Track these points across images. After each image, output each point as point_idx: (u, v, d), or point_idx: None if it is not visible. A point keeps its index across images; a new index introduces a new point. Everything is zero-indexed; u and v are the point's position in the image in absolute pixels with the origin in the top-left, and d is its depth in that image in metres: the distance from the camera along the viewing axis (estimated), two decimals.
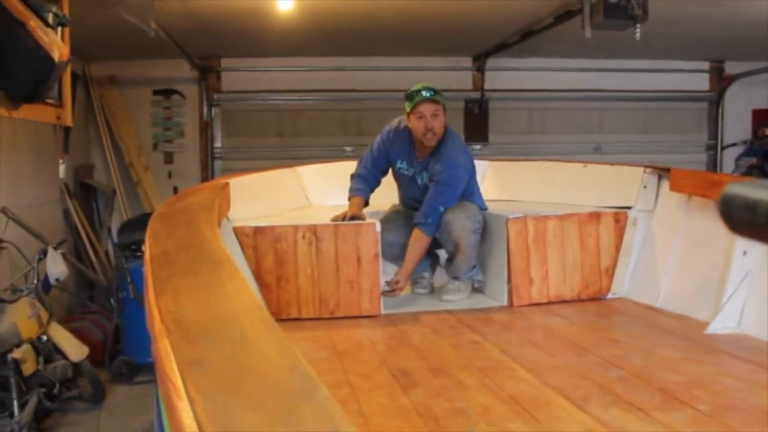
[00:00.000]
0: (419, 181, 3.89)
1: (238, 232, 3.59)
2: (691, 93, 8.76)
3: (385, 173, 4.08)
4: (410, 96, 3.75)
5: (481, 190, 4.15)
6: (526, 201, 4.68)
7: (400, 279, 3.70)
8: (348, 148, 7.89)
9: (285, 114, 8.24)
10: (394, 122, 3.97)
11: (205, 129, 8.07)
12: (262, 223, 3.64)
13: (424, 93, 3.69)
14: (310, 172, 4.92)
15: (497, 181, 4.98)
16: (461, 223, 3.78)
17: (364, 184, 3.97)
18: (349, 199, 3.93)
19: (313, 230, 3.61)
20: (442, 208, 3.75)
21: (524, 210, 4.03)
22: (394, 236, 3.93)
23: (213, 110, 8.11)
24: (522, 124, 8.55)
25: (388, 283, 3.74)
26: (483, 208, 4.00)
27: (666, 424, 2.09)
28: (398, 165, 3.96)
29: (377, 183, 4.06)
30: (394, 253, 3.97)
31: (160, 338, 1.14)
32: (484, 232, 3.99)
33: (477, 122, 8.34)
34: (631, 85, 8.58)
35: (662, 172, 3.87)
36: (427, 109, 3.72)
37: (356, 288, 3.62)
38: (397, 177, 4.04)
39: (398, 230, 3.96)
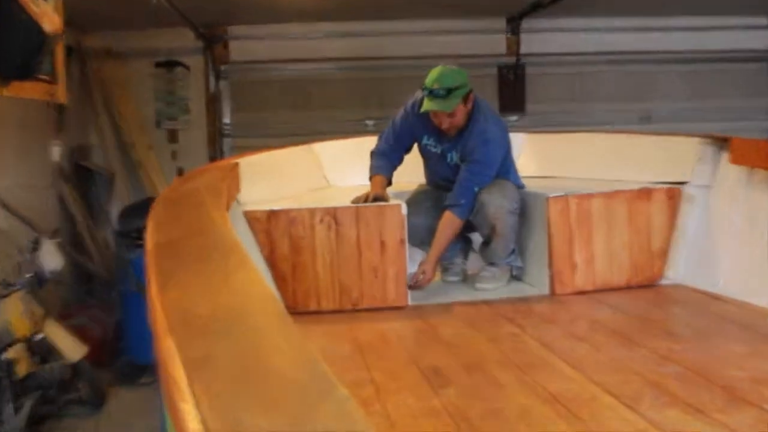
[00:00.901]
0: (449, 160, 3.86)
1: (250, 217, 3.56)
2: (749, 52, 8.58)
3: (408, 150, 4.04)
4: (422, 95, 3.75)
5: (518, 165, 4.10)
6: (568, 177, 4.59)
7: (426, 269, 3.69)
8: (370, 122, 7.89)
9: (299, 85, 8.21)
10: (420, 94, 3.84)
11: (212, 104, 8.04)
12: (275, 207, 3.64)
13: (428, 102, 3.64)
14: (328, 150, 4.94)
15: (535, 155, 4.95)
16: (497, 203, 3.73)
17: (386, 162, 3.93)
18: (371, 178, 3.90)
19: (333, 213, 3.60)
20: (476, 189, 3.71)
21: (566, 187, 3.95)
22: (422, 219, 3.88)
23: (220, 83, 8.05)
24: (562, 92, 8.47)
25: (413, 275, 3.72)
26: (520, 186, 3.96)
27: (729, 426, 2.05)
28: (425, 141, 3.92)
29: (400, 161, 4.03)
30: (422, 238, 3.93)
31: (162, 335, 1.14)
32: (522, 212, 3.94)
33: (512, 90, 8.27)
34: (682, 46, 8.42)
35: (720, 142, 3.79)
36: (437, 114, 3.70)
37: (380, 277, 3.61)
38: (425, 154, 4.00)
39: (426, 212, 3.93)
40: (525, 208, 3.97)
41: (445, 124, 3.69)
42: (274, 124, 8.11)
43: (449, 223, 3.72)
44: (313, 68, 8.21)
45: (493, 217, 3.77)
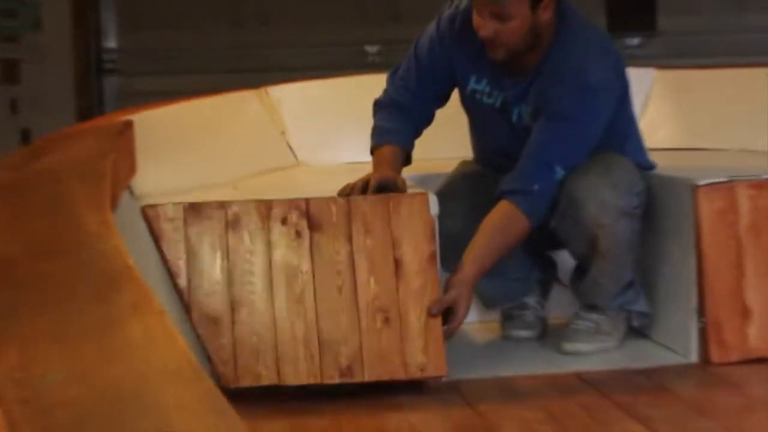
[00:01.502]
0: (513, 117, 3.54)
1: (153, 218, 3.37)
2: None
3: (443, 99, 3.76)
4: None
5: (643, 128, 3.88)
6: (730, 149, 4.39)
7: (458, 293, 3.30)
8: (371, 49, 7.65)
9: None
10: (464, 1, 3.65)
11: (83, 14, 7.64)
12: (199, 198, 3.48)
13: None
14: (294, 99, 4.71)
15: (673, 108, 4.74)
16: (602, 198, 3.35)
17: (403, 121, 3.60)
18: (374, 150, 3.61)
19: (303, 209, 3.40)
20: (559, 169, 3.45)
21: (730, 168, 3.75)
22: (465, 223, 3.53)
23: None
24: None
25: (437, 302, 3.34)
26: (646, 166, 3.62)
27: None
28: (472, 86, 3.59)
29: (427, 120, 3.66)
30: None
31: None
32: (648, 214, 3.64)
33: None
34: None
35: None
36: (478, 14, 3.46)
37: (393, 324, 3.37)
38: (472, 108, 3.68)
39: (472, 212, 3.57)
40: (652, 207, 3.69)
41: (487, 31, 3.42)
42: (196, 51, 7.72)
43: (507, 222, 3.47)
44: None
45: (593, 223, 3.35)
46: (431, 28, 3.73)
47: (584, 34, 3.61)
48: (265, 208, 3.40)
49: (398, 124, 3.68)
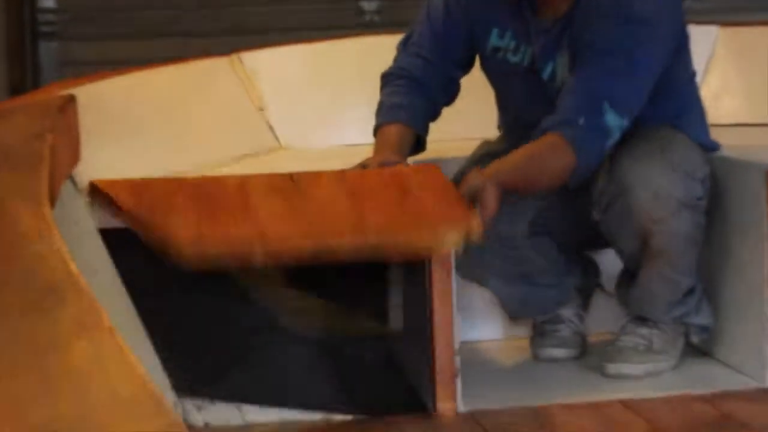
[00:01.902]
0: (545, 75, 3.55)
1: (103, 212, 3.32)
2: None
3: (466, 66, 3.69)
4: None
5: (706, 98, 3.79)
6: None
7: (487, 192, 3.30)
8: (369, 6, 7.73)
9: None
10: None
11: None
12: None
13: None
14: (275, 68, 4.66)
15: (741, 75, 4.63)
16: (657, 185, 3.33)
17: (416, 96, 3.62)
18: (377, 129, 3.57)
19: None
20: (608, 108, 3.37)
21: None
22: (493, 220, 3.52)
23: None
24: None
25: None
26: (708, 146, 3.59)
27: None
28: (493, 42, 3.61)
29: (449, 92, 3.67)
30: (485, 267, 3.65)
31: None
32: (713, 205, 3.56)
33: None
34: None
35: None
36: None
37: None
38: (495, 71, 3.71)
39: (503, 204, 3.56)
40: (716, 197, 3.58)
41: None
42: (153, 9, 7.64)
43: (548, 151, 3.43)
44: None
45: (647, 217, 3.34)
46: None
47: None
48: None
49: (410, 99, 3.61)
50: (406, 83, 3.69)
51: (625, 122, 3.43)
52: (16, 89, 7.37)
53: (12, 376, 1.47)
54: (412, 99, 3.65)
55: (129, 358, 1.46)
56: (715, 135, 3.75)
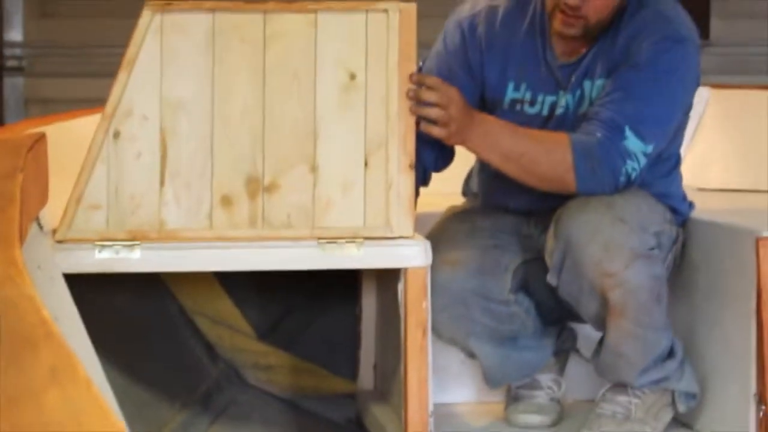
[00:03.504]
0: (564, 110, 3.59)
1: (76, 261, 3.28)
2: None
3: None
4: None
5: (688, 159, 3.95)
6: None
7: (452, 113, 3.43)
8: None
9: None
10: None
11: None
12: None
13: None
14: None
15: (731, 138, 4.70)
16: (605, 236, 3.31)
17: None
18: None
19: None
20: (630, 133, 3.40)
21: None
22: (467, 276, 3.54)
23: None
24: None
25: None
26: (679, 210, 3.59)
27: None
28: (510, 95, 3.60)
29: (444, 158, 3.68)
30: (462, 324, 3.59)
31: None
32: (690, 269, 3.59)
33: None
34: None
35: None
36: None
37: None
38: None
39: (476, 262, 3.60)
40: (704, 262, 3.60)
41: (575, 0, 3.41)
42: (123, 45, 7.88)
43: (549, 140, 3.54)
44: None
45: (599, 271, 3.32)
46: (453, 26, 3.77)
47: (667, 5, 3.68)
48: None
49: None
50: None
51: (649, 148, 3.49)
52: None
53: None
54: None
55: (107, 411, 1.40)
56: (704, 198, 3.80)
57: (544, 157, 3.50)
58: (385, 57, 3.18)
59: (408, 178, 3.32)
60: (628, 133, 3.42)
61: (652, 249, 3.44)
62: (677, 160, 3.74)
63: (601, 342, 3.58)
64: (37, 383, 1.45)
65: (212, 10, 3.18)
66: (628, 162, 3.43)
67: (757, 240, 3.43)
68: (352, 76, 3.18)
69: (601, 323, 3.51)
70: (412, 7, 3.21)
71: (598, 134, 3.43)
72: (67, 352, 1.56)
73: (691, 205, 3.70)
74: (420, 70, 3.66)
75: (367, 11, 3.19)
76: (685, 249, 3.68)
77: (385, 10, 3.16)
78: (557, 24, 3.49)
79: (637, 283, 3.40)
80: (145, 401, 3.71)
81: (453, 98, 3.40)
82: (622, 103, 3.49)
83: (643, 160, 3.46)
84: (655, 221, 3.49)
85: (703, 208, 3.78)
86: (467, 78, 3.68)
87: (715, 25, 8.00)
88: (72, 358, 1.54)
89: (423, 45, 3.48)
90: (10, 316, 1.72)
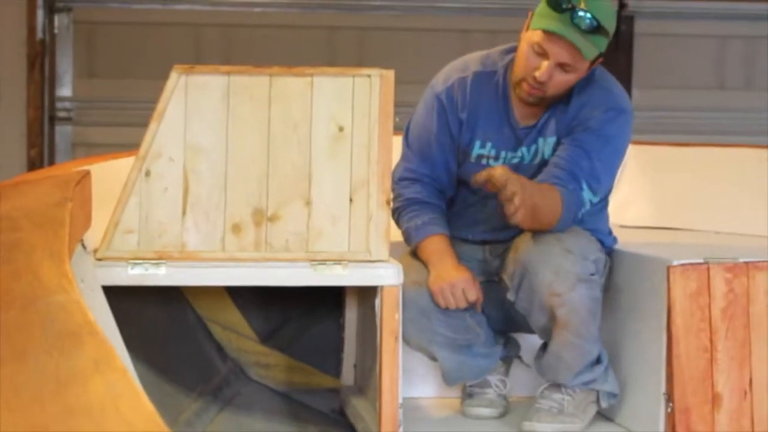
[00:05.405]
0: (524, 159, 3.76)
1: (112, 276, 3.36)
2: None
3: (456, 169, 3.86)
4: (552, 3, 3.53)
5: (616, 203, 4.02)
6: (705, 230, 4.56)
7: (512, 186, 3.46)
8: None
9: (212, 33, 7.95)
10: (473, 63, 3.74)
11: (39, 60, 7.57)
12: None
13: (560, 23, 3.51)
14: None
15: (647, 185, 4.84)
16: (556, 264, 3.45)
17: (434, 205, 3.82)
18: (417, 246, 3.79)
19: None
20: (585, 186, 3.62)
21: (704, 249, 3.88)
22: (431, 295, 3.67)
23: (57, 19, 7.65)
24: (701, 69, 8.17)
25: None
26: (606, 244, 3.78)
27: None
28: (476, 151, 3.72)
29: (453, 188, 3.90)
30: (431, 335, 3.68)
31: None
32: (614, 291, 3.72)
33: (612, 62, 7.27)
34: None
35: None
36: (558, 50, 3.54)
37: None
38: (473, 175, 3.68)
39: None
40: (624, 285, 3.76)
41: (545, 75, 3.57)
42: (156, 100, 7.29)
43: (551, 191, 3.64)
44: (240, 4, 7.94)
45: (550, 291, 3.46)
46: (433, 99, 3.93)
47: (610, 82, 3.85)
48: None
49: (432, 213, 3.86)
50: (424, 201, 3.93)
51: (596, 199, 3.74)
52: (33, 164, 7.38)
53: (38, 406, 1.46)
54: (433, 211, 3.94)
55: (140, 395, 1.45)
56: (625, 234, 4.09)
57: (546, 209, 3.66)
58: (368, 113, 3.30)
59: (384, 212, 3.42)
60: (584, 186, 3.71)
61: (593, 275, 3.66)
62: (605, 202, 3.93)
63: (544, 348, 3.80)
64: (83, 371, 1.54)
65: (228, 73, 3.26)
66: (582, 209, 3.71)
67: (668, 267, 3.72)
68: (341, 128, 3.27)
69: (547, 333, 3.72)
70: (391, 74, 3.36)
71: (570, 186, 3.67)
72: (108, 346, 1.63)
73: (615, 239, 3.93)
74: (406, 130, 3.97)
75: (354, 76, 3.30)
76: (611, 275, 3.93)
77: (369, 75, 3.29)
78: (522, 92, 3.67)
79: (579, 303, 3.65)
80: (166, 392, 3.79)
81: (521, 181, 3.56)
82: (579, 160, 3.72)
83: (588, 207, 3.71)
84: (593, 251, 3.72)
85: (625, 241, 4.06)
86: (448, 140, 3.90)
87: (635, 94, 8.10)
88: (111, 352, 1.61)
89: (399, 104, 3.65)
90: (62, 316, 1.85)
